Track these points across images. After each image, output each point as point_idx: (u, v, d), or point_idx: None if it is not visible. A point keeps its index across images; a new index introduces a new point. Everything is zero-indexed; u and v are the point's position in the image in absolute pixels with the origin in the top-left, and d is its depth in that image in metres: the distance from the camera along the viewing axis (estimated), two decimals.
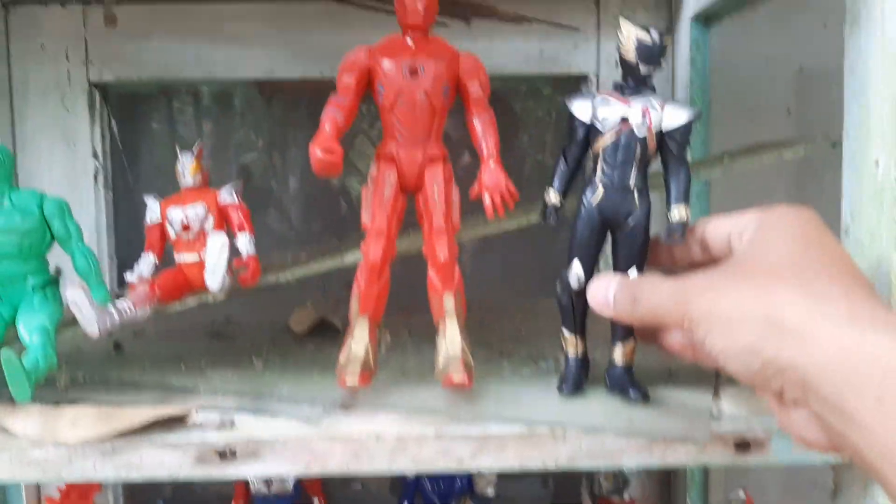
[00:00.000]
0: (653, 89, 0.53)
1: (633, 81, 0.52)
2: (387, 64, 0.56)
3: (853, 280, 0.40)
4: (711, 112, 0.94)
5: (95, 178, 1.01)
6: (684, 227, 0.51)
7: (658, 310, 0.45)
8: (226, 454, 0.52)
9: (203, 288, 0.62)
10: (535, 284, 1.10)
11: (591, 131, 0.53)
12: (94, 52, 0.99)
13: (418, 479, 1.01)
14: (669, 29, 1.00)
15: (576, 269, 0.54)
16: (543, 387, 0.58)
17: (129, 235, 1.05)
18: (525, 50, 1.00)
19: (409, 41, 0.57)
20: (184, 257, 0.62)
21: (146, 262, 0.63)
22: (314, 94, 1.05)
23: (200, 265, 0.61)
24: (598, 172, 0.53)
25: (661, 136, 0.52)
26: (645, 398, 0.54)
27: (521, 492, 1.13)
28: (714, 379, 0.60)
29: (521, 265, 1.11)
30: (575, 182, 0.55)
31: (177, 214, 0.62)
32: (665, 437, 0.51)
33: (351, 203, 1.13)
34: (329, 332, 0.76)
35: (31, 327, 0.57)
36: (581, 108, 0.53)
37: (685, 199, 0.52)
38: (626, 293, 0.48)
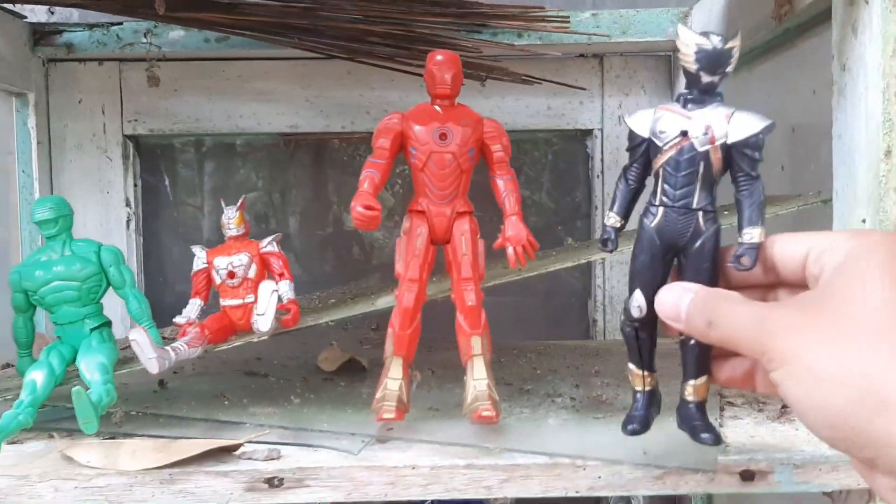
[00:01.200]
0: (720, 99, 0.48)
1: (697, 92, 0.48)
2: (418, 129, 0.62)
3: None
4: None
5: (128, 224, 1.07)
6: (757, 253, 0.46)
7: (736, 337, 0.41)
8: (274, 482, 0.57)
9: (246, 329, 0.67)
10: (547, 327, 1.15)
11: (651, 147, 0.49)
12: (129, 106, 1.06)
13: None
14: (670, 86, 1.06)
15: (637, 300, 0.49)
16: (561, 421, 0.63)
17: (157, 278, 1.11)
18: (534, 106, 1.06)
19: (437, 108, 0.63)
20: (229, 302, 0.67)
21: (193, 306, 0.68)
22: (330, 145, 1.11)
23: (244, 308, 0.67)
24: (659, 192, 0.48)
25: (729, 151, 0.47)
26: (717, 441, 0.50)
27: None
28: (719, 409, 0.66)
29: (531, 308, 1.16)
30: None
31: (223, 263, 0.67)
32: (677, 468, 0.55)
33: (364, 247, 1.19)
34: (356, 370, 0.81)
35: (93, 366, 0.62)
36: (639, 122, 0.49)
37: (760, 220, 0.46)
38: (701, 310, 0.43)
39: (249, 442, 0.60)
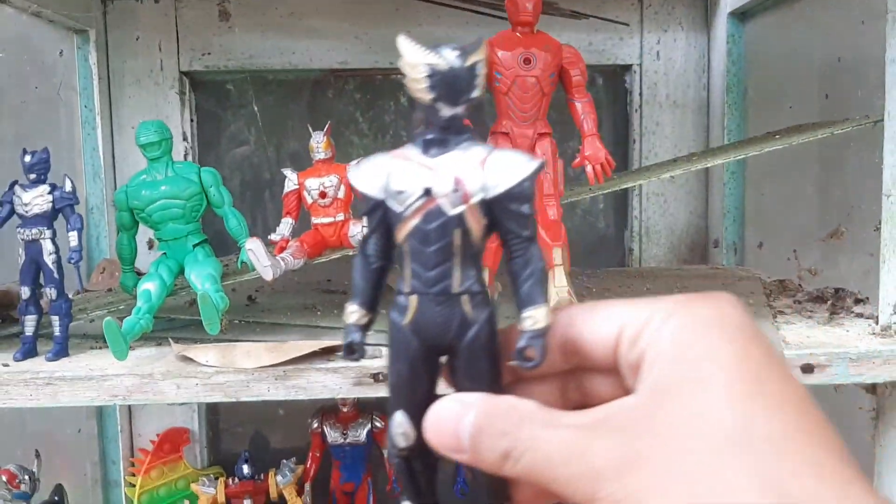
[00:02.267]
0: (469, 137, 0.35)
1: (438, 130, 0.35)
2: (503, 55, 0.66)
3: (833, 443, 0.30)
4: (747, 98, 1.05)
5: (185, 158, 1.11)
6: (544, 341, 0.34)
7: (547, 476, 0.31)
8: (378, 377, 0.63)
9: (336, 245, 0.73)
10: (584, 257, 1.20)
11: (390, 213, 0.35)
12: (185, 43, 1.09)
13: None
14: (707, 23, 1.10)
15: (400, 424, 0.36)
16: None
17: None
18: (576, 42, 1.10)
19: (518, 35, 0.67)
20: (320, 220, 0.73)
21: (286, 225, 0.73)
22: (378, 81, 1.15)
23: (335, 226, 0.72)
24: (407, 276, 0.35)
25: (490, 208, 0.34)
26: None
27: None
28: (771, 317, 0.72)
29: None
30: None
31: (314, 184, 0.72)
32: None
33: None
34: None
35: (203, 276, 0.67)
36: (367, 179, 0.36)
37: (542, 296, 0.35)
38: (492, 436, 0.32)
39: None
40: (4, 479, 0.79)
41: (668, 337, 0.31)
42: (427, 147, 0.35)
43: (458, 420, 0.33)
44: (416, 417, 0.35)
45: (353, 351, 0.37)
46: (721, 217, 1.08)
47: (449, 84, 0.34)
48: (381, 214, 0.36)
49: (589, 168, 0.66)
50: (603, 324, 0.34)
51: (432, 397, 0.35)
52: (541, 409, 0.32)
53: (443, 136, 0.35)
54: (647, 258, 1.14)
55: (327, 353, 0.65)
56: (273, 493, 1.05)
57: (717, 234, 1.09)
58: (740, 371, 0.30)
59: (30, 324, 0.68)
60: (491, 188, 0.34)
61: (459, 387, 0.35)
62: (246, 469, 1.06)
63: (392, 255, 0.37)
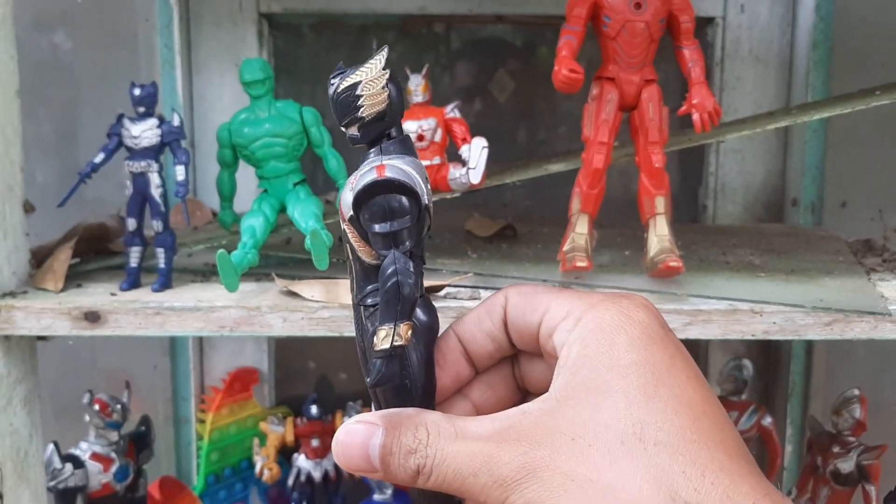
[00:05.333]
0: (371, 153, 0.36)
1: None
2: None
3: (729, 441, 0.31)
4: (833, 56, 1.03)
5: None
6: (383, 362, 0.35)
7: (461, 487, 0.32)
8: None
9: (433, 188, 0.73)
10: None
11: None
12: None
13: None
14: None
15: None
16: (729, 277, 0.69)
17: None
18: None
19: None
20: None
21: None
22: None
23: (431, 169, 0.72)
24: None
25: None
26: None
27: None
28: (866, 274, 0.71)
29: None
30: None
31: (412, 126, 0.72)
32: (855, 311, 0.61)
33: None
34: (506, 237, 0.87)
35: (307, 214, 0.68)
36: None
37: (386, 318, 0.34)
38: (401, 453, 0.33)
39: (451, 285, 0.67)
40: (97, 407, 0.81)
41: (576, 341, 0.33)
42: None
43: (366, 442, 0.34)
44: None
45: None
46: (800, 176, 1.06)
47: (336, 109, 0.35)
48: None
49: (696, 116, 0.65)
50: (533, 312, 0.36)
51: None
52: (447, 420, 0.34)
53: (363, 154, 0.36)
54: (722, 216, 1.13)
55: (428, 292, 0.65)
56: None
57: (795, 194, 1.08)
58: (638, 377, 0.31)
59: (135, 255, 0.69)
60: (345, 206, 0.35)
61: (386, 402, 0.36)
62: (314, 410, 1.07)
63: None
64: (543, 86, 1.16)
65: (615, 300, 0.34)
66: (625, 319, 0.33)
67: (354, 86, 0.35)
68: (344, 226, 0.35)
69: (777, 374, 1.14)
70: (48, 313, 0.64)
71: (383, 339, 0.34)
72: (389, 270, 0.34)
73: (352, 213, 0.34)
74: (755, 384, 1.13)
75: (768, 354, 1.15)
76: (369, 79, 0.35)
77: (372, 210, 0.34)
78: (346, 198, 0.35)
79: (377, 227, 0.34)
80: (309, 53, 1.17)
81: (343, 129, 0.35)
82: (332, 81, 0.35)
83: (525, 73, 1.18)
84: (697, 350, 1.14)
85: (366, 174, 0.34)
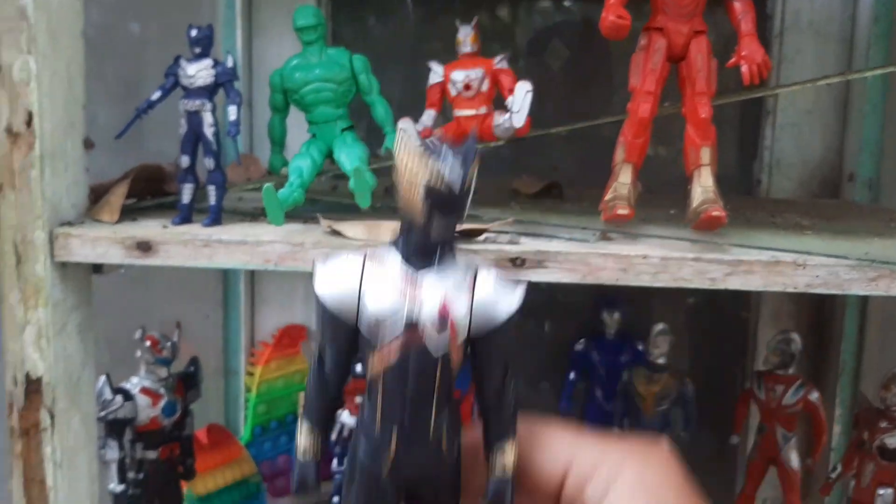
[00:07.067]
0: (451, 248, 0.32)
1: (423, 238, 0.31)
2: None
3: None
4: (895, 29, 1.01)
5: None
6: (512, 488, 0.32)
7: None
8: (517, 261, 0.64)
9: (477, 138, 0.74)
10: None
11: (360, 337, 0.32)
12: None
13: (586, 351, 1.13)
14: None
15: None
16: (775, 232, 0.68)
17: None
18: None
19: None
20: (464, 112, 0.74)
21: (429, 116, 0.75)
22: None
23: (477, 119, 0.73)
24: (378, 417, 0.32)
25: (471, 342, 0.32)
26: None
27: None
28: None
29: None
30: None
31: (460, 76, 0.73)
32: None
33: None
34: (551, 196, 0.88)
35: (352, 157, 0.69)
36: (335, 285, 0.32)
37: (512, 433, 0.32)
38: None
39: (492, 231, 0.67)
40: (148, 343, 0.84)
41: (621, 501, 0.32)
42: (408, 257, 0.32)
43: None
44: None
45: (303, 486, 0.34)
46: (858, 151, 1.04)
47: (445, 198, 0.30)
48: (348, 333, 0.32)
49: (744, 68, 0.64)
50: (551, 457, 0.34)
51: None
52: None
53: (426, 245, 0.31)
54: (776, 191, 1.11)
55: (470, 234, 0.66)
56: None
57: (851, 169, 1.06)
58: None
59: (187, 191, 0.71)
60: (478, 323, 0.31)
61: None
62: (360, 368, 1.09)
63: (349, 369, 0.34)
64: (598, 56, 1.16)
65: (649, 451, 0.34)
66: (663, 475, 0.33)
67: (472, 179, 0.31)
68: (444, 350, 0.30)
69: (828, 353, 1.11)
70: (103, 242, 0.66)
71: (512, 462, 0.33)
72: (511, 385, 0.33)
73: (488, 329, 0.31)
74: (804, 365, 1.11)
75: (820, 333, 1.12)
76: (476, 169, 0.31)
77: (510, 328, 0.31)
78: (460, 307, 0.30)
79: (508, 344, 0.32)
80: (373, 13, 1.19)
81: (439, 214, 0.31)
82: (447, 169, 0.30)
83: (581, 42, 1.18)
84: (747, 324, 1.12)
85: (506, 289, 0.32)
